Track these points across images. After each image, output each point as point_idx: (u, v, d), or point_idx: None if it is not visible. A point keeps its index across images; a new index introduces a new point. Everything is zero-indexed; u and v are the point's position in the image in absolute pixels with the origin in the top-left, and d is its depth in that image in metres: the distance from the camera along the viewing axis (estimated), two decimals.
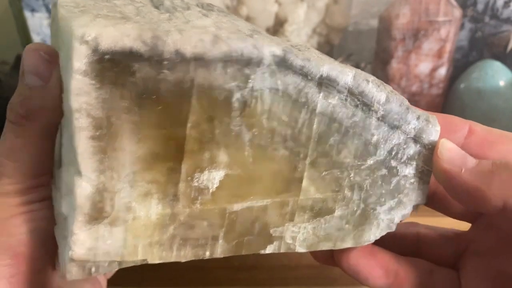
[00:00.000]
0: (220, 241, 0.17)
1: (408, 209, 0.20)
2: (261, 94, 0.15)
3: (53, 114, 0.16)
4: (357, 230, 0.19)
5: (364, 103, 0.17)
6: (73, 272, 0.15)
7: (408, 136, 0.18)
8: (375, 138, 0.18)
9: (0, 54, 0.50)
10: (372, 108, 0.17)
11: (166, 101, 0.14)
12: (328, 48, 0.61)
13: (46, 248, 0.17)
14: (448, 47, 0.46)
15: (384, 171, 0.18)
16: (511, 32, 0.55)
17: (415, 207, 0.20)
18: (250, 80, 0.15)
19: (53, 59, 0.16)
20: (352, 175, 0.18)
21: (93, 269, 0.15)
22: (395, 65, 0.47)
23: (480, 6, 0.53)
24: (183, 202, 0.16)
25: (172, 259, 0.16)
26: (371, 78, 0.17)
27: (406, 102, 0.18)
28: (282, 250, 0.18)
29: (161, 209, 0.15)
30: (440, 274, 0.22)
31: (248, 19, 0.56)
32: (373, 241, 0.20)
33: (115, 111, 0.14)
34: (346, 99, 0.17)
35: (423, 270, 0.22)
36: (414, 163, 0.19)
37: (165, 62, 0.14)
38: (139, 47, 0.13)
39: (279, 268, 0.31)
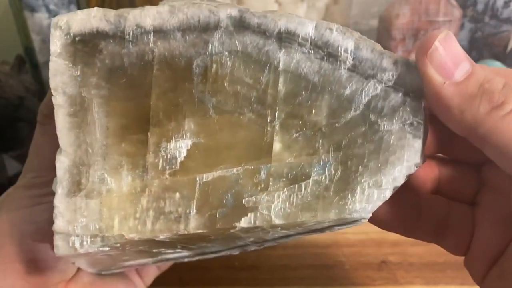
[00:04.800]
0: (193, 213, 0.16)
1: (398, 171, 0.17)
2: (221, 57, 0.15)
3: None
4: (338, 197, 0.17)
5: (330, 54, 0.16)
6: (59, 246, 0.16)
7: (387, 85, 0.16)
8: (348, 92, 0.16)
9: (0, 54, 0.50)
10: (340, 58, 0.16)
11: (130, 73, 0.15)
12: None
13: None
14: None
15: (363, 128, 0.16)
16: (511, 32, 0.55)
17: (410, 169, 0.17)
18: (209, 45, 0.15)
19: None
20: (327, 135, 0.16)
21: (77, 244, 0.16)
22: None
23: (480, 6, 0.53)
24: (152, 173, 0.16)
25: (147, 234, 0.16)
26: (335, 26, 0.16)
27: (379, 47, 0.16)
28: (258, 223, 0.16)
29: (130, 180, 0.16)
30: (456, 210, 0.21)
31: None
32: (360, 211, 0.17)
33: (86, 87, 0.15)
34: (309, 52, 0.16)
35: (440, 206, 0.21)
36: (399, 115, 0.17)
37: (127, 37, 0.15)
38: (104, 26, 0.15)
39: (280, 268, 0.31)
